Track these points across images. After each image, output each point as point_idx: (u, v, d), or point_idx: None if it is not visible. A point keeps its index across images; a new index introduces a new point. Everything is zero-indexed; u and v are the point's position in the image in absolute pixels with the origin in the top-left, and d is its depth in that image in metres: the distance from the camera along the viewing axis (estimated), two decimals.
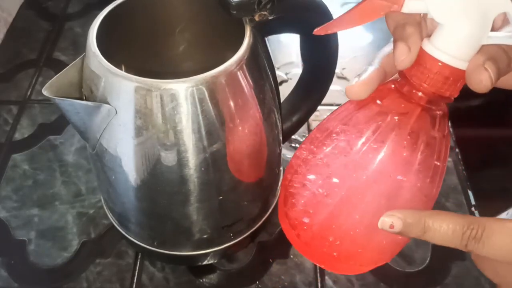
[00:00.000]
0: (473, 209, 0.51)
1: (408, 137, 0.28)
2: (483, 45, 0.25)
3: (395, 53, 0.26)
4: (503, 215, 0.42)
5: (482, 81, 0.24)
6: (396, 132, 0.28)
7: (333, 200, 0.30)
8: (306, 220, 0.31)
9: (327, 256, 0.31)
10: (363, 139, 0.29)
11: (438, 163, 0.29)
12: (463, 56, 0.25)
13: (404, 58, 0.26)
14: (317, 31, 0.29)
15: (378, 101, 0.29)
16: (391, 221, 0.27)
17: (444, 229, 0.26)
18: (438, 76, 0.26)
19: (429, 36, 0.27)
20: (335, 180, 0.30)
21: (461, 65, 0.25)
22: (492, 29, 0.25)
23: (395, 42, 0.27)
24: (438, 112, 0.28)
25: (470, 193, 0.53)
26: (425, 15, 0.26)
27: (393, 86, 0.29)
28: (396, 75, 0.29)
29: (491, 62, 0.24)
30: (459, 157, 0.55)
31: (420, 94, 0.27)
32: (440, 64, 0.26)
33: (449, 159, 0.55)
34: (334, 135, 0.30)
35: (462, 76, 0.26)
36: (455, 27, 0.25)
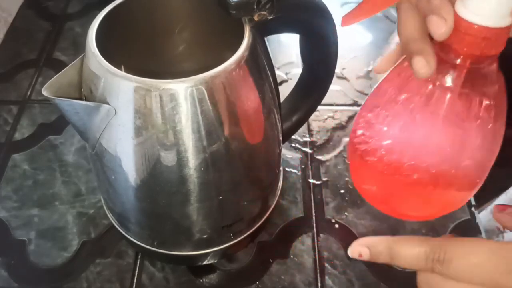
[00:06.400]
0: (473, 209, 0.51)
1: (462, 94, 0.29)
2: None
3: (431, 28, 0.27)
4: (502, 196, 0.42)
5: None
6: (451, 92, 0.29)
7: (406, 137, 0.31)
8: (385, 157, 0.33)
9: (411, 200, 0.33)
10: (421, 100, 0.30)
11: (497, 118, 0.30)
12: (499, 14, 0.25)
13: (444, 30, 0.26)
14: (344, 22, 0.30)
15: None
16: (358, 251, 0.28)
17: (409, 254, 0.27)
18: (477, 38, 0.26)
19: None
20: (401, 124, 0.32)
21: (498, 23, 0.25)
22: None
23: (427, 16, 0.27)
24: (486, 68, 0.28)
25: None
26: None
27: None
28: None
29: None
30: None
31: (463, 58, 0.28)
32: (476, 27, 0.25)
33: None
34: (393, 93, 0.32)
35: (503, 32, 0.26)
36: None
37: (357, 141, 0.35)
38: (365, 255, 0.28)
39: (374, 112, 0.34)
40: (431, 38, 0.28)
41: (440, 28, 0.26)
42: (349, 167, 0.38)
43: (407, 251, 0.27)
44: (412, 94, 0.31)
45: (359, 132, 0.35)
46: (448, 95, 0.29)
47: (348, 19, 0.30)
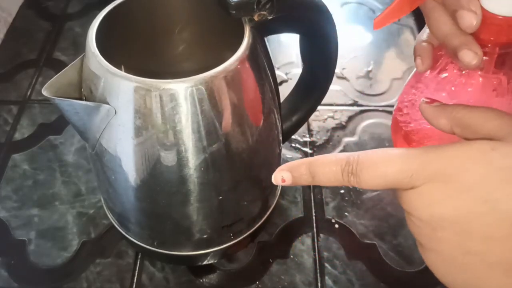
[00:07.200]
0: None
1: (494, 77, 0.33)
2: None
3: (463, 21, 0.29)
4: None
5: None
6: (483, 77, 0.34)
7: None
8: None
9: None
10: (459, 84, 0.34)
11: None
12: None
13: (475, 22, 0.29)
14: (376, 26, 0.33)
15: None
16: (281, 175, 0.28)
17: (328, 170, 0.27)
18: (502, 28, 0.29)
19: None
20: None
21: None
22: None
23: (457, 11, 0.29)
24: None
25: None
26: None
27: None
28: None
29: None
30: None
31: (491, 45, 0.31)
32: (500, 17, 0.29)
33: None
34: (432, 79, 0.37)
35: None
36: None
37: (401, 119, 0.40)
38: (288, 179, 0.28)
39: (415, 96, 0.38)
40: None
41: (472, 21, 0.28)
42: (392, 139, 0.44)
43: (325, 167, 0.27)
44: (450, 80, 0.34)
45: (404, 111, 0.39)
46: (481, 79, 0.33)
47: (380, 22, 0.32)
